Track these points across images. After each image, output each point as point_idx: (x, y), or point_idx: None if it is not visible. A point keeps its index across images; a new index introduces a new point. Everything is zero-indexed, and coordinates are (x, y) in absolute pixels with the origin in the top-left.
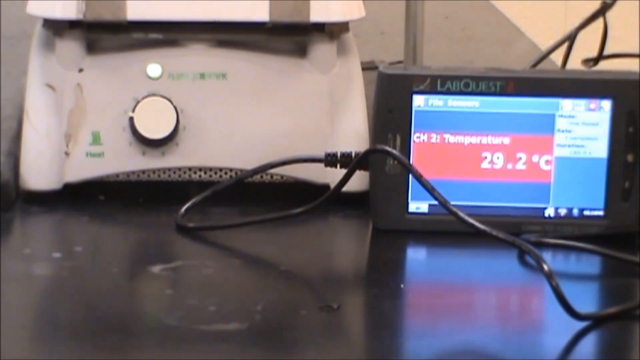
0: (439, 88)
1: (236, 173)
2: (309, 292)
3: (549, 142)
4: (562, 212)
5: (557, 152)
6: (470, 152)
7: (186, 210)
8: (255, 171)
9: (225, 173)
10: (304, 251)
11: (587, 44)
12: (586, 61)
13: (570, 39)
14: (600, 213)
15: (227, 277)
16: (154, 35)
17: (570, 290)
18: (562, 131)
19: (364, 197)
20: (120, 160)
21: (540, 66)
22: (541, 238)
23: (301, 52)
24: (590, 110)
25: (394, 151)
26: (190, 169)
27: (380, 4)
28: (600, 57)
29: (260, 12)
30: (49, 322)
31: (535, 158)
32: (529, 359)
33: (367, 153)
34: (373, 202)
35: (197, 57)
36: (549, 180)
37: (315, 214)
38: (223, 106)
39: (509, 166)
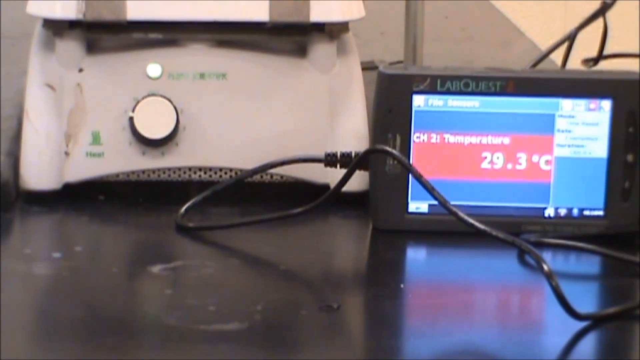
0: (438, 88)
1: (236, 173)
2: (308, 292)
3: (548, 142)
4: (562, 212)
5: (557, 152)
6: (470, 152)
7: (186, 210)
8: (255, 171)
9: (225, 173)
10: (303, 251)
11: (586, 44)
12: (586, 61)
13: (570, 39)
14: (600, 213)
15: (226, 277)
16: (153, 35)
17: (570, 290)
18: (562, 131)
19: (363, 197)
20: (120, 160)
21: (540, 66)
22: (541, 238)
23: (301, 52)
24: (590, 110)
25: (393, 151)
26: (190, 168)
27: (380, 4)
28: (600, 57)
29: (260, 12)
30: (49, 322)
31: (535, 158)
32: (528, 359)
33: (367, 153)
34: (373, 202)
35: (197, 57)
36: (549, 180)
37: (315, 214)
38: (223, 106)
39: (509, 166)
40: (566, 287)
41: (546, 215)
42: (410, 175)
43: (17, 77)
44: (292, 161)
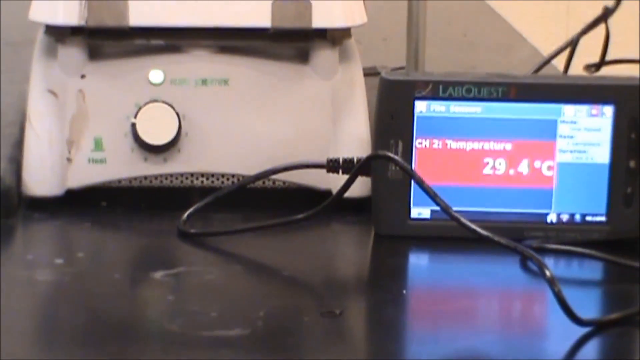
0: (440, 94)
1: (238, 179)
2: (311, 298)
3: (551, 147)
4: (565, 217)
5: (559, 157)
6: (472, 158)
7: (188, 216)
8: (258, 177)
9: (228, 179)
10: (306, 257)
11: (588, 49)
12: (588, 67)
13: (572, 44)
14: (603, 219)
15: (229, 283)
16: (156, 41)
17: (572, 295)
18: (564, 137)
19: (366, 203)
20: (123, 166)
21: (542, 72)
22: (543, 244)
23: (303, 58)
24: (592, 116)
25: (396, 157)
26: (192, 174)
27: (382, 9)
28: (602, 63)
29: (262, 18)
30: (52, 328)
31: (537, 164)
32: None
33: (369, 159)
34: (375, 208)
35: (199, 63)
36: (551, 186)
37: (318, 220)
38: (225, 112)
39: (511, 172)
40: (568, 293)
41: (548, 221)
42: (412, 181)
43: (19, 84)
44: (294, 167)
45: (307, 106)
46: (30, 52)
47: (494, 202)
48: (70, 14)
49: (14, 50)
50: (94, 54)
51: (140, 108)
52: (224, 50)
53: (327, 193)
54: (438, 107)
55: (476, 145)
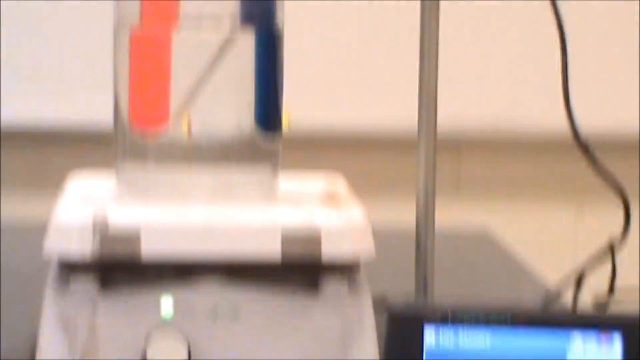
0: (450, 323)
1: None
2: None
3: None
4: None
5: None
6: None
7: None
8: None
9: None
10: None
11: (595, 273)
12: (597, 304)
13: (579, 277)
14: None
15: None
16: (167, 274)
17: None
18: None
19: None
20: None
21: (550, 304)
22: None
23: (313, 289)
24: (601, 348)
25: None
26: None
27: (390, 238)
28: (610, 295)
29: (271, 251)
30: None
31: None
32: None
33: None
34: None
35: (209, 295)
36: None
37: None
38: (235, 345)
39: None
40: None
41: None
42: None
43: (31, 315)
44: None
45: (316, 337)
46: (42, 283)
47: None
48: (83, 248)
49: (27, 279)
50: (106, 286)
51: (151, 340)
52: (234, 282)
53: None
54: (447, 337)
55: None
